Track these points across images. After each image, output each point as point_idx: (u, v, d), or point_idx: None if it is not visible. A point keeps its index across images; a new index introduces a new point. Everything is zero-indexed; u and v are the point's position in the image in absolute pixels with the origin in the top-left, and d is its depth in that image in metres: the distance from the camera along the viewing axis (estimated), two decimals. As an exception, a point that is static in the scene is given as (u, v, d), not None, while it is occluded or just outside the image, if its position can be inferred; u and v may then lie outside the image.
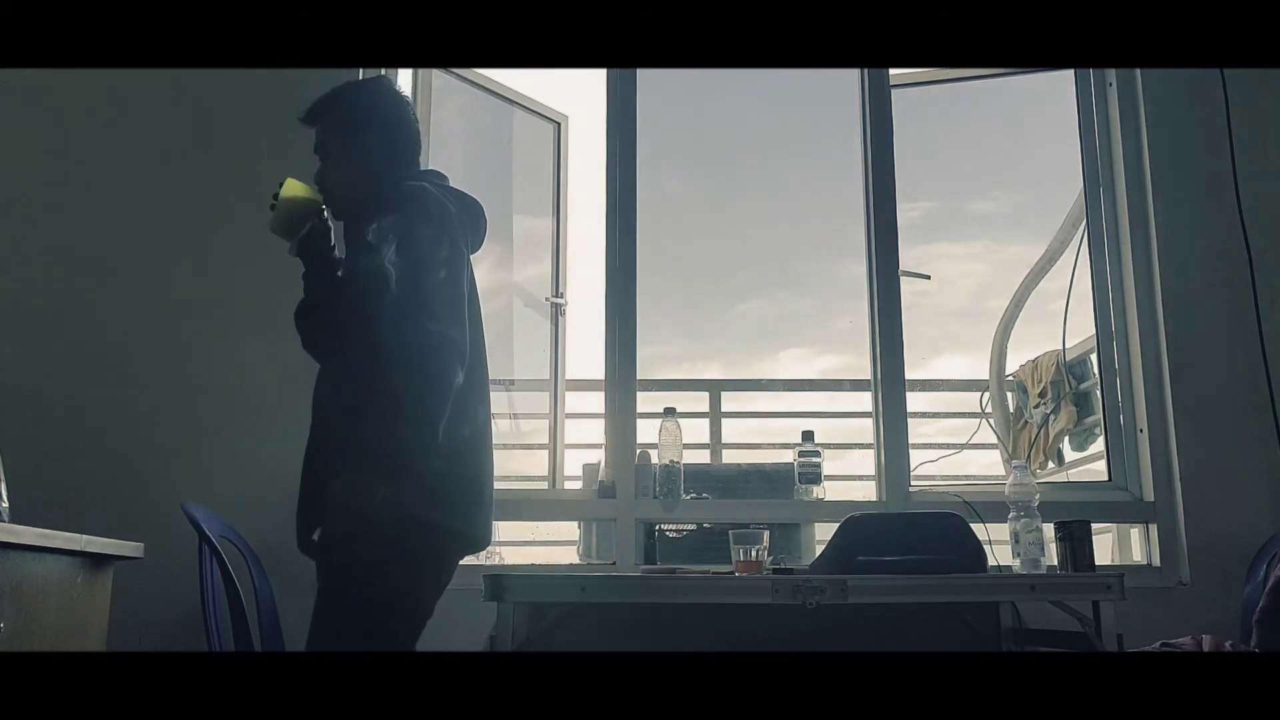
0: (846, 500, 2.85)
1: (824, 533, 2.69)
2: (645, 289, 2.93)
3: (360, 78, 2.15)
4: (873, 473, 2.90)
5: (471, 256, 2.07)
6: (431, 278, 1.83)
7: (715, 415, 3.95)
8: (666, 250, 3.28)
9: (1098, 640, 2.06)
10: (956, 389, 3.63)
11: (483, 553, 2.86)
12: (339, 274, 2.07)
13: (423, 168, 2.16)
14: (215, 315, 2.73)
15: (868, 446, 2.97)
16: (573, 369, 3.24)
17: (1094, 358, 3.02)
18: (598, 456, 2.92)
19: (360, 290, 1.84)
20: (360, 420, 1.75)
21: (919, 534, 2.26)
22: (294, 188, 2.02)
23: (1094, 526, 2.31)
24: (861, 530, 2.27)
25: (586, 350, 3.13)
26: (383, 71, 2.92)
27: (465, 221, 2.01)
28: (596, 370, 2.97)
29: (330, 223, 2.09)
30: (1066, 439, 3.25)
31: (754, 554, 2.22)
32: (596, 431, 3.03)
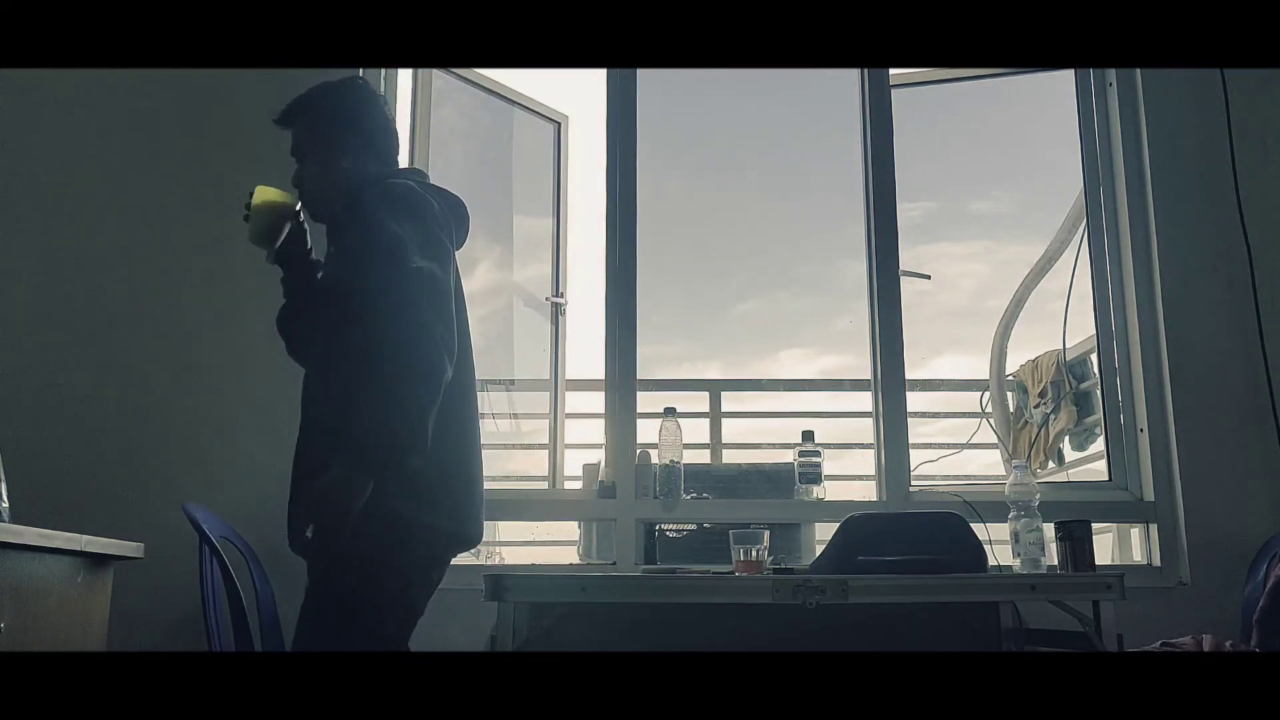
0: (846, 500, 2.85)
1: (824, 533, 2.68)
2: (645, 289, 2.93)
3: (358, 77, 2.13)
4: (873, 473, 2.90)
5: (457, 254, 2.07)
6: (418, 274, 1.82)
7: (715, 415, 3.95)
8: (666, 250, 3.28)
9: (1098, 640, 2.06)
10: (956, 389, 3.63)
11: (483, 553, 2.87)
12: (321, 275, 2.07)
13: (406, 166, 2.15)
14: (216, 315, 2.73)
15: (868, 446, 2.97)
16: (573, 369, 3.24)
17: (1094, 358, 3.02)
18: (598, 456, 2.92)
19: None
20: (350, 414, 1.75)
21: (919, 534, 2.26)
22: (267, 194, 2.00)
23: (1094, 526, 2.31)
24: (861, 530, 2.27)
25: (586, 350, 3.13)
26: (383, 73, 2.92)
27: (449, 219, 2.01)
28: (596, 370, 2.97)
29: (306, 225, 2.08)
30: (1066, 439, 3.25)
31: (754, 554, 2.22)
32: (596, 431, 3.03)
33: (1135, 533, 2.88)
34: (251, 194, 2.00)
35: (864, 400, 3.01)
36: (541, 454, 3.19)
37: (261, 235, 2.01)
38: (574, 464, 3.08)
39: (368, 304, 1.80)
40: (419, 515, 1.84)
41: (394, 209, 1.89)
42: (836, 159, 3.17)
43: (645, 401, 2.89)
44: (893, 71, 3.06)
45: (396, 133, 2.12)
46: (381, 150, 2.07)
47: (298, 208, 2.04)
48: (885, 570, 2.13)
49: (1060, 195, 3.20)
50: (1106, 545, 2.90)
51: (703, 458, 3.76)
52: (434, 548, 1.92)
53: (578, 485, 2.96)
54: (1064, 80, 3.09)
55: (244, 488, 2.54)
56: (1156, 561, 2.74)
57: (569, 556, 2.93)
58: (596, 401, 3.05)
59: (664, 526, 2.77)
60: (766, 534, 2.25)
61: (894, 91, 3.05)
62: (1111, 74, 3.00)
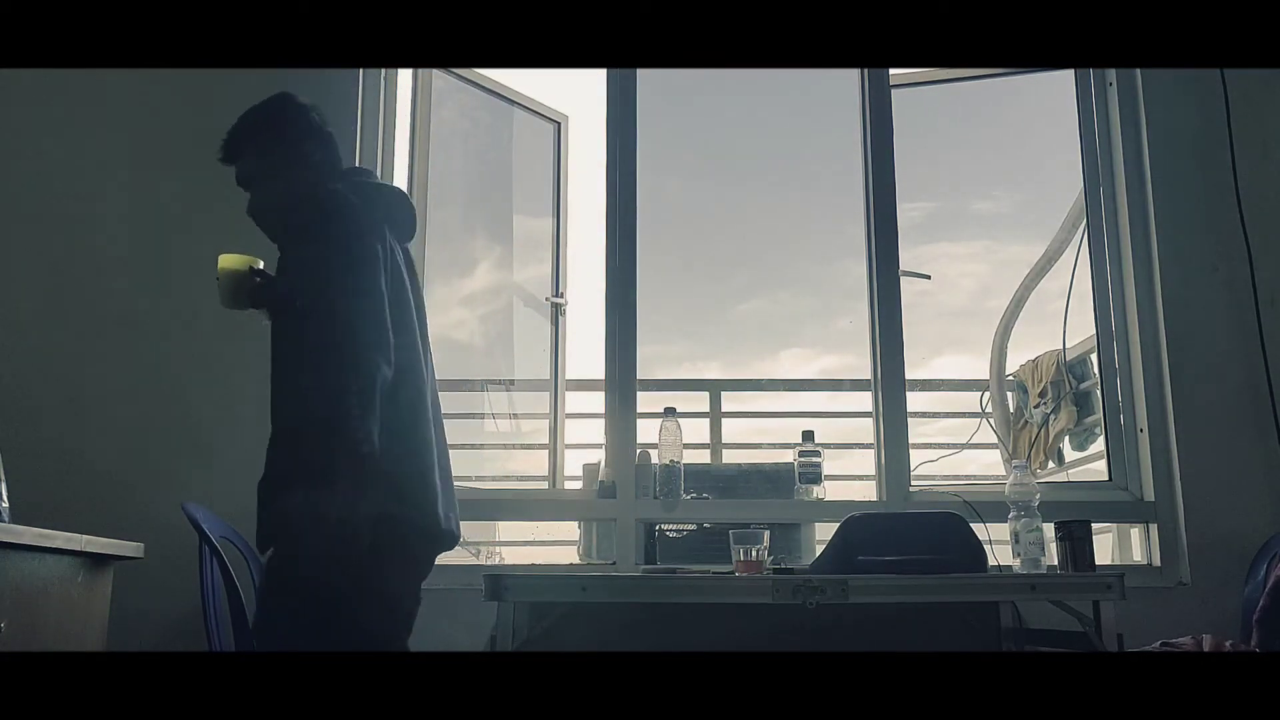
0: (846, 500, 2.85)
1: (824, 533, 2.68)
2: (645, 289, 2.93)
3: (284, 93, 2.15)
4: (873, 473, 2.90)
5: (415, 245, 2.12)
6: (339, 284, 1.87)
7: (715, 415, 3.95)
8: (666, 250, 3.28)
9: (1098, 640, 2.06)
10: (956, 389, 3.63)
11: (483, 553, 2.87)
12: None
13: (352, 166, 2.14)
14: (216, 315, 2.71)
15: (868, 446, 2.97)
16: (573, 369, 3.24)
17: (1094, 358, 3.02)
18: (598, 456, 2.92)
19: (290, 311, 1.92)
20: (285, 411, 1.84)
21: (919, 534, 2.26)
22: (225, 261, 2.10)
23: (1094, 526, 2.31)
24: (861, 530, 2.27)
25: (586, 350, 3.14)
26: (383, 73, 2.91)
27: (377, 222, 2.01)
28: (596, 370, 2.97)
29: (269, 271, 2.12)
30: (1066, 439, 3.25)
31: (754, 554, 2.22)
32: (596, 431, 3.03)
33: (1135, 533, 2.88)
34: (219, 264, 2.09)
35: (864, 400, 3.01)
36: (541, 454, 3.19)
37: (226, 299, 2.11)
38: (574, 464, 3.08)
39: (299, 313, 1.87)
40: (368, 509, 1.84)
41: (306, 223, 1.94)
42: (836, 159, 3.17)
43: (645, 401, 2.89)
44: (893, 71, 3.06)
45: (330, 134, 2.13)
46: (315, 159, 2.08)
47: (257, 265, 2.10)
48: (885, 570, 2.13)
49: (1060, 195, 3.20)
50: (1106, 545, 2.90)
51: (703, 458, 3.76)
52: (392, 537, 1.90)
53: (578, 485, 2.97)
54: (1064, 80, 3.09)
55: (244, 488, 2.52)
56: (1156, 561, 2.74)
57: (569, 556, 2.93)
58: (596, 401, 3.05)
59: (664, 526, 2.77)
60: (766, 534, 2.25)
61: (894, 91, 3.05)
62: (1111, 74, 3.00)
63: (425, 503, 1.95)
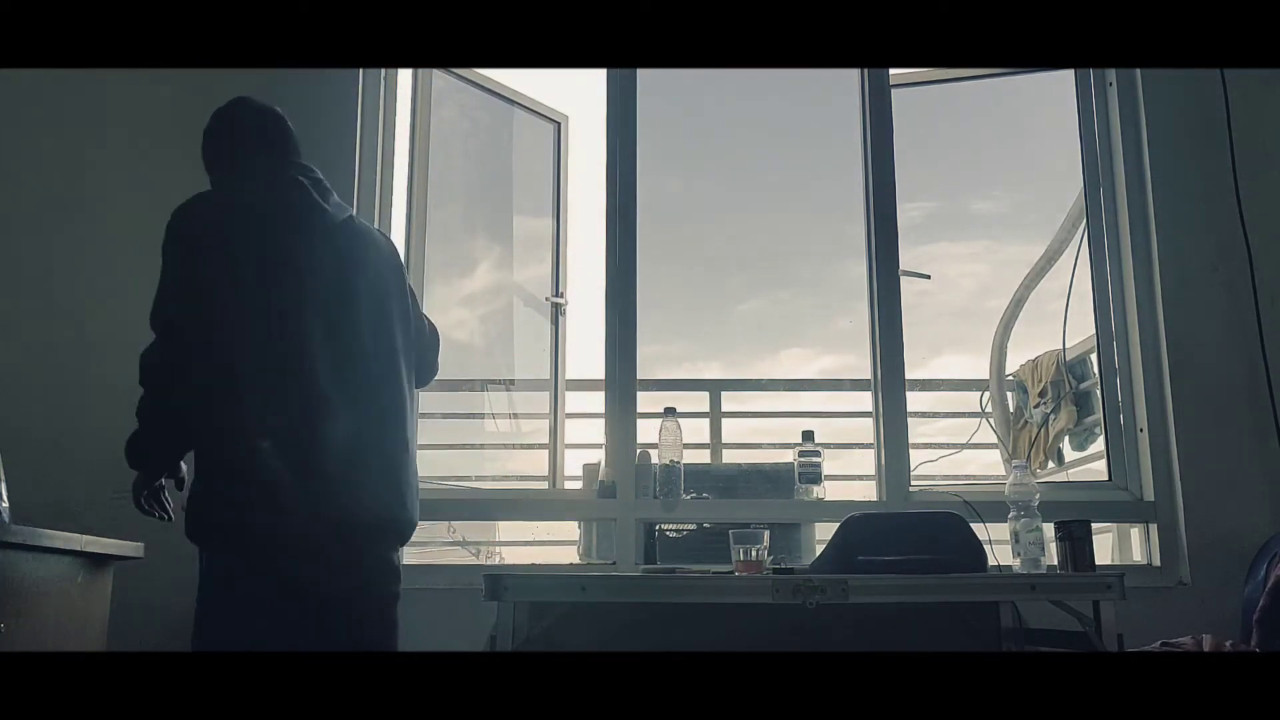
0: (846, 500, 2.85)
1: (824, 533, 2.68)
2: (645, 289, 2.93)
3: (243, 98, 2.20)
4: (873, 473, 2.90)
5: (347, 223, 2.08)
6: (171, 289, 1.97)
7: (715, 415, 3.95)
8: (666, 250, 3.28)
9: (1098, 640, 2.06)
10: (956, 389, 3.63)
11: (483, 553, 2.87)
12: None
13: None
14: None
15: (868, 446, 2.97)
16: (573, 369, 3.24)
17: (1094, 357, 3.02)
18: (598, 456, 2.92)
19: None
20: None
21: (919, 534, 2.26)
22: None
23: (1094, 526, 2.31)
24: (862, 530, 2.28)
25: (586, 350, 3.14)
26: (383, 73, 2.91)
27: (274, 211, 2.00)
28: (596, 370, 2.97)
29: None
30: (1066, 439, 3.25)
31: (754, 554, 2.22)
32: (596, 431, 3.03)
33: (1135, 533, 2.88)
34: None
35: (864, 400, 3.01)
36: (541, 454, 3.19)
37: None
38: (574, 464, 3.08)
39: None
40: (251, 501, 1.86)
41: (171, 244, 2.05)
42: (836, 159, 3.17)
43: (645, 401, 2.89)
44: (893, 71, 3.06)
45: (254, 140, 2.13)
46: (240, 169, 2.12)
47: None
48: (885, 570, 2.13)
49: (1060, 195, 3.20)
50: (1106, 545, 2.90)
51: (703, 458, 3.76)
52: (274, 536, 1.88)
53: (578, 485, 2.96)
54: (1064, 80, 3.09)
55: (244, 488, 2.53)
56: (1156, 561, 2.74)
57: (569, 556, 2.93)
58: (596, 401, 3.05)
59: (664, 526, 2.77)
60: (766, 534, 2.25)
61: (894, 91, 3.05)
62: (1111, 74, 3.00)
63: (324, 498, 1.87)
